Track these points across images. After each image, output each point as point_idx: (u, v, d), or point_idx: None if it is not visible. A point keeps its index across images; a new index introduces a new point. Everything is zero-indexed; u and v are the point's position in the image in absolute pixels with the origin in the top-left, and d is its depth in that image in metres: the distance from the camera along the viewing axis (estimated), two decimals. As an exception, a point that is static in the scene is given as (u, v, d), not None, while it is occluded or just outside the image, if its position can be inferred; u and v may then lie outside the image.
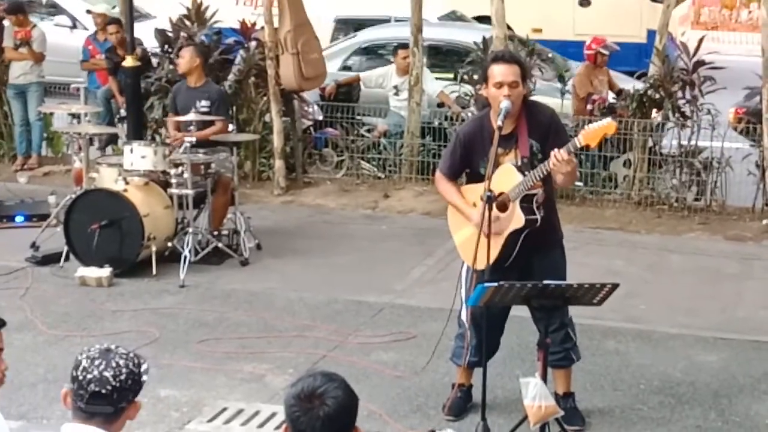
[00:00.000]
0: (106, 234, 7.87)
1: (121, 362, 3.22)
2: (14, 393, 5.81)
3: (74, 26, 15.46)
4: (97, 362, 3.20)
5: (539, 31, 14.84)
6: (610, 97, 10.72)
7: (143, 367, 3.28)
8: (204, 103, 8.59)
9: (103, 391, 3.17)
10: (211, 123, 8.52)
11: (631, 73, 10.00)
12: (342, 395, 3.00)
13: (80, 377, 3.19)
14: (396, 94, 10.88)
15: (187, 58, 8.78)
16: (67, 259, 8.07)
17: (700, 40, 10.35)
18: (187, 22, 11.00)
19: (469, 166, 5.47)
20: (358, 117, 11.01)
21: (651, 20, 9.92)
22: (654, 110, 9.73)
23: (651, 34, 10.08)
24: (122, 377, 3.20)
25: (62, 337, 6.79)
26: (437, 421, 5.65)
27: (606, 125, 5.17)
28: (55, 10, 15.98)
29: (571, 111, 10.47)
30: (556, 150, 5.02)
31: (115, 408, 3.22)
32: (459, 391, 5.76)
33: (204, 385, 6.10)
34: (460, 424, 5.61)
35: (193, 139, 8.10)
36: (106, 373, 3.18)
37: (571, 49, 11.45)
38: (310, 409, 2.95)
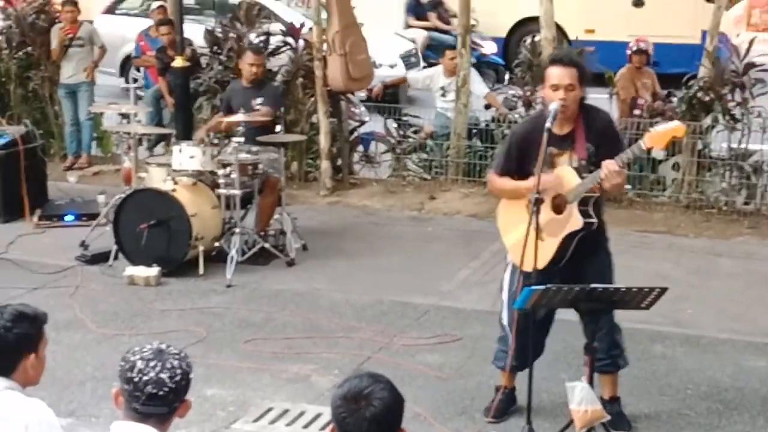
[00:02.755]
0: (154, 233, 7.94)
1: (176, 363, 3.26)
2: (63, 390, 5.89)
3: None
4: (152, 363, 3.23)
5: (592, 31, 14.78)
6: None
7: (191, 367, 3.33)
8: (259, 101, 8.66)
9: (161, 392, 3.21)
10: (263, 123, 8.56)
11: (682, 75, 9.91)
12: (388, 396, 3.01)
13: (136, 379, 3.22)
14: (443, 95, 10.88)
15: (260, 64, 8.85)
16: (116, 258, 8.16)
17: (751, 42, 10.24)
18: (237, 23, 11.08)
19: (522, 167, 5.43)
20: (405, 118, 11.02)
21: (706, 21, 9.81)
22: (704, 113, 9.63)
23: (706, 35, 9.99)
24: (177, 378, 3.24)
25: (111, 335, 6.86)
26: (481, 424, 5.65)
27: (674, 128, 5.13)
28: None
29: (616, 114, 10.42)
30: (607, 161, 5.01)
31: (169, 408, 3.27)
32: (502, 394, 5.76)
33: (250, 385, 6.14)
34: (504, 427, 5.60)
35: (242, 139, 8.15)
36: (162, 375, 3.22)
37: (625, 51, 11.37)
38: (357, 410, 2.97)
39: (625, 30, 13.87)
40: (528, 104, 9.91)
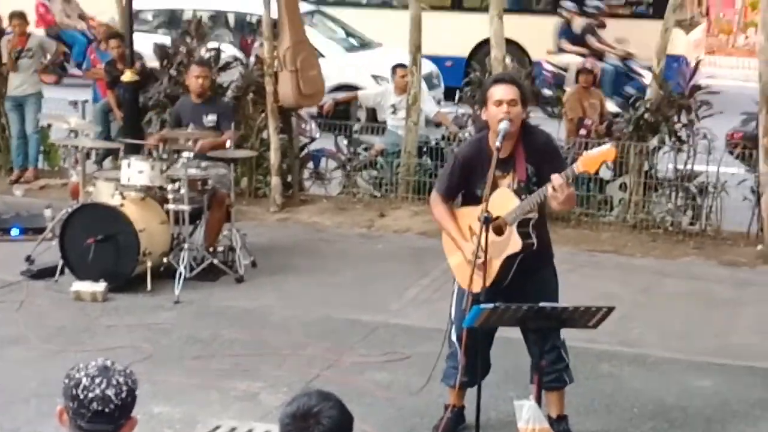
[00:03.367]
0: (101, 248, 7.87)
1: (121, 380, 3.23)
2: (7, 407, 5.81)
3: None
4: (98, 380, 3.20)
5: (552, 52, 14.98)
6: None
7: (137, 384, 3.30)
8: (211, 117, 8.62)
9: (107, 410, 3.17)
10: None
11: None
12: (337, 415, 3.01)
13: (80, 396, 3.18)
14: (393, 113, 10.91)
15: (206, 76, 8.82)
16: (62, 273, 8.07)
17: (697, 64, 10.39)
18: (187, 38, 11.05)
19: (466, 187, 5.48)
20: (355, 135, 11.05)
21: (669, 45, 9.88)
22: (650, 134, 9.75)
23: (668, 58, 10.09)
24: (123, 395, 3.20)
25: (56, 351, 6.78)
26: (429, 442, 5.67)
27: (606, 151, 5.14)
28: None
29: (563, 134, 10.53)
30: (554, 177, 5.04)
31: (115, 425, 3.23)
32: (451, 413, 5.77)
33: (197, 402, 6.10)
34: (452, 446, 5.62)
35: (191, 155, 8.12)
36: (108, 392, 3.18)
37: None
38: (305, 428, 2.96)
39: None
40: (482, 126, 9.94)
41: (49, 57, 11.29)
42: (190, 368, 6.58)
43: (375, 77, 13.66)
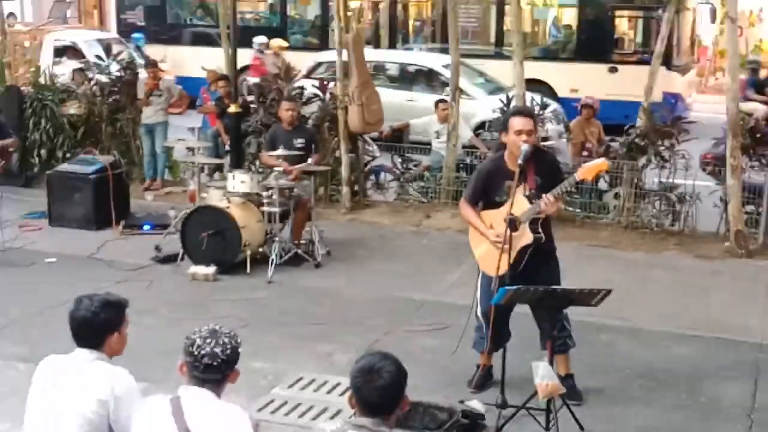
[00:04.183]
0: (212, 240, 7.93)
1: (227, 340, 3.25)
2: (141, 363, 5.80)
3: None
4: (208, 340, 3.23)
5: (576, 90, 14.36)
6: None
7: (240, 343, 3.31)
8: (299, 141, 8.62)
9: (215, 363, 3.20)
10: (302, 157, 8.47)
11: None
12: (395, 370, 3.00)
13: (195, 352, 3.21)
14: (437, 137, 10.86)
15: (294, 109, 8.82)
16: (182, 259, 8.14)
17: (676, 100, 10.21)
18: (278, 80, 11.10)
19: (486, 195, 5.45)
20: (407, 155, 11.00)
21: (666, 85, 9.65)
22: (640, 154, 9.60)
23: (665, 96, 9.86)
24: (228, 352, 3.23)
25: (178, 320, 6.82)
26: (465, 393, 5.61)
27: (600, 163, 5.20)
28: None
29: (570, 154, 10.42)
30: (545, 196, 5.07)
31: (222, 375, 3.25)
32: (482, 371, 5.73)
33: (285, 360, 6.12)
34: (482, 396, 5.55)
35: (282, 170, 8.13)
36: (216, 349, 3.22)
37: (602, 106, 11.24)
38: (370, 381, 2.95)
39: (602, 90, 13.63)
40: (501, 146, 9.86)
41: (174, 97, 11.38)
42: (280, 333, 6.60)
43: None
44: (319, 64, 14.82)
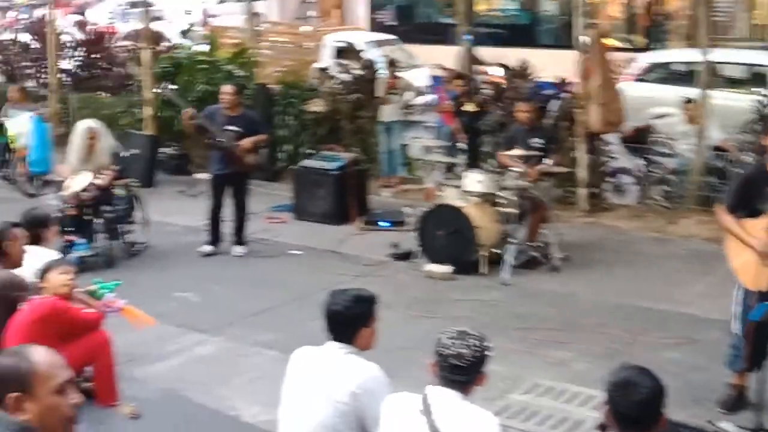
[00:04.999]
0: (448, 239, 8.02)
1: (475, 342, 3.28)
2: (380, 357, 6.00)
3: None
4: (456, 341, 3.27)
5: None
6: None
7: (489, 347, 3.32)
8: (537, 140, 8.55)
9: (461, 364, 3.24)
10: (540, 158, 8.38)
11: None
12: (654, 386, 2.90)
13: (443, 352, 3.27)
14: (684, 138, 10.34)
15: (531, 110, 8.75)
16: (418, 256, 8.28)
17: None
18: (514, 78, 11.06)
19: (746, 203, 5.11)
20: (651, 157, 10.57)
21: None
22: None
23: None
24: (475, 355, 3.25)
25: (414, 316, 6.98)
26: (713, 413, 5.30)
27: None
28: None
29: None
30: None
31: (468, 377, 3.28)
32: (735, 391, 5.39)
33: (520, 364, 6.06)
34: (734, 419, 5.22)
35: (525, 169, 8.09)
36: (462, 350, 3.25)
37: None
38: (628, 395, 2.87)
39: None
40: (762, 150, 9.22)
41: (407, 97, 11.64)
42: (514, 337, 6.55)
43: None
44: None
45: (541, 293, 7.56)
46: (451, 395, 3.26)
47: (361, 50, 15.26)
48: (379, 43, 16.50)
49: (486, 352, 3.31)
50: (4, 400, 2.48)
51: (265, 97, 11.95)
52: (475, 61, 11.40)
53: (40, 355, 2.55)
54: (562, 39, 16.90)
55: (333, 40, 16.85)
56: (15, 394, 2.48)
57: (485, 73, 11.49)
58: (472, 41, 15.67)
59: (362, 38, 16.96)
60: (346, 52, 15.47)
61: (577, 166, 10.02)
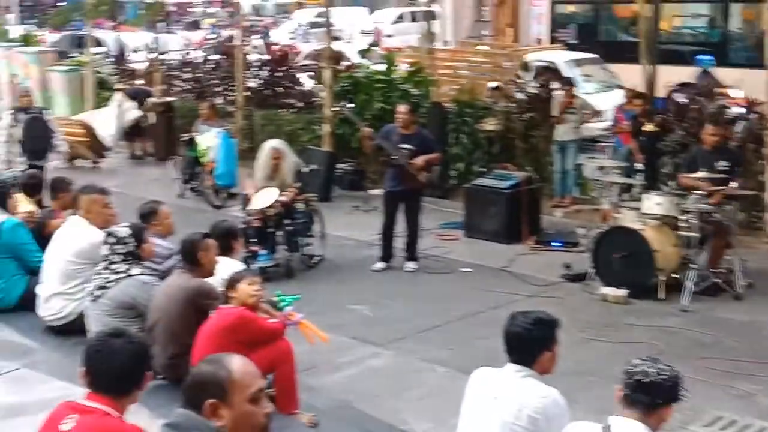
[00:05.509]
0: (624, 262, 7.83)
1: (665, 368, 3.22)
2: (551, 379, 5.92)
3: None
4: (646, 365, 3.24)
5: None
6: None
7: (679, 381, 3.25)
8: (723, 163, 8.20)
9: (646, 381, 3.19)
10: (724, 181, 8.05)
11: None
12: None
13: (632, 374, 3.23)
14: None
15: (719, 134, 8.42)
16: (592, 278, 8.13)
17: None
18: (698, 97, 10.65)
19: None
20: None
21: None
22: None
23: None
24: (664, 379, 3.20)
25: (586, 339, 6.85)
26: None
27: None
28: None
29: None
30: None
31: (652, 402, 3.21)
32: None
33: (702, 396, 5.78)
34: None
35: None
36: (650, 369, 3.22)
37: None
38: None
39: None
40: None
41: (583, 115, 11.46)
42: (696, 366, 6.27)
43: None
44: None
45: (724, 321, 7.24)
46: (636, 428, 3.18)
47: (559, 69, 14.90)
48: (578, 63, 16.23)
49: (677, 384, 3.24)
50: (202, 406, 2.60)
51: (440, 115, 12.09)
52: (715, 83, 11.09)
53: (238, 364, 2.66)
54: (754, 58, 16.13)
55: (533, 59, 16.63)
56: (212, 400, 2.60)
57: (726, 95, 11.06)
58: (712, 63, 14.94)
59: (562, 57, 16.72)
60: (546, 71, 15.21)
61: (765, 190, 9.52)
